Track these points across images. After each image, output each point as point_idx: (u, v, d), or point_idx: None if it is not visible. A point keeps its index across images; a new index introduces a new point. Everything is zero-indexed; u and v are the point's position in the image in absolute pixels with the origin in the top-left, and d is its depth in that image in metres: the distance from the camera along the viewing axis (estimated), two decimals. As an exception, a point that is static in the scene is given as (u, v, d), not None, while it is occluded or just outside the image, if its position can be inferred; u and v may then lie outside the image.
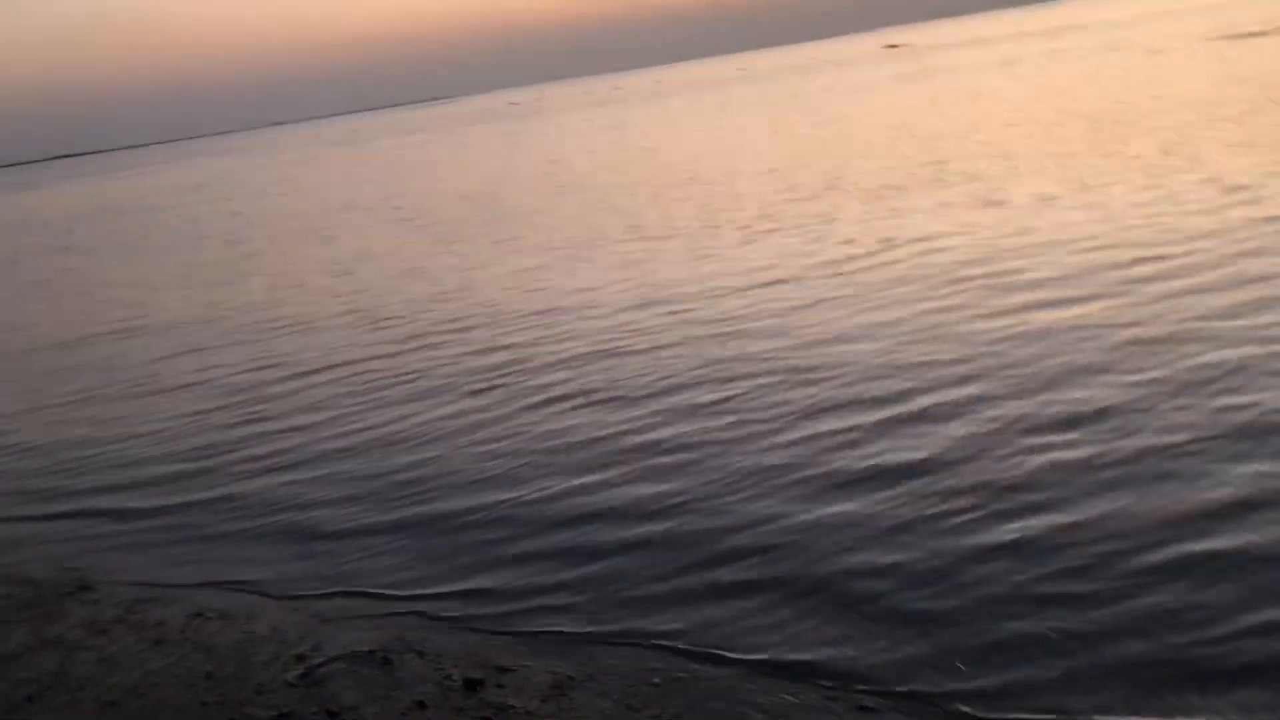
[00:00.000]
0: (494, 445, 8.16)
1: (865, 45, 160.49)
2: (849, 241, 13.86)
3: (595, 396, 8.94)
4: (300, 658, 5.44)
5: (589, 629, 5.33)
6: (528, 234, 19.33)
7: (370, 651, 5.40)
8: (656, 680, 4.80)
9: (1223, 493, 5.62)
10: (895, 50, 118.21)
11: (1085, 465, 6.21)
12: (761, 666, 4.79)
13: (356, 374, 11.09)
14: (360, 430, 9.11)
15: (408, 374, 10.73)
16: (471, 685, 4.94)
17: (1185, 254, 10.52)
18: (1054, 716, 4.17)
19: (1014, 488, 6.07)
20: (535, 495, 7.06)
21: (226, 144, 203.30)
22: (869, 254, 12.87)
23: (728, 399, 8.31)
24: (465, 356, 11.06)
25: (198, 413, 10.55)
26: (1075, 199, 14.30)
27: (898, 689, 4.47)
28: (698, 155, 30.27)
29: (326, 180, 44.83)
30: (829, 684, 4.58)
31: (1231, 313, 8.50)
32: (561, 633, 5.35)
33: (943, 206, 15.38)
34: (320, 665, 5.33)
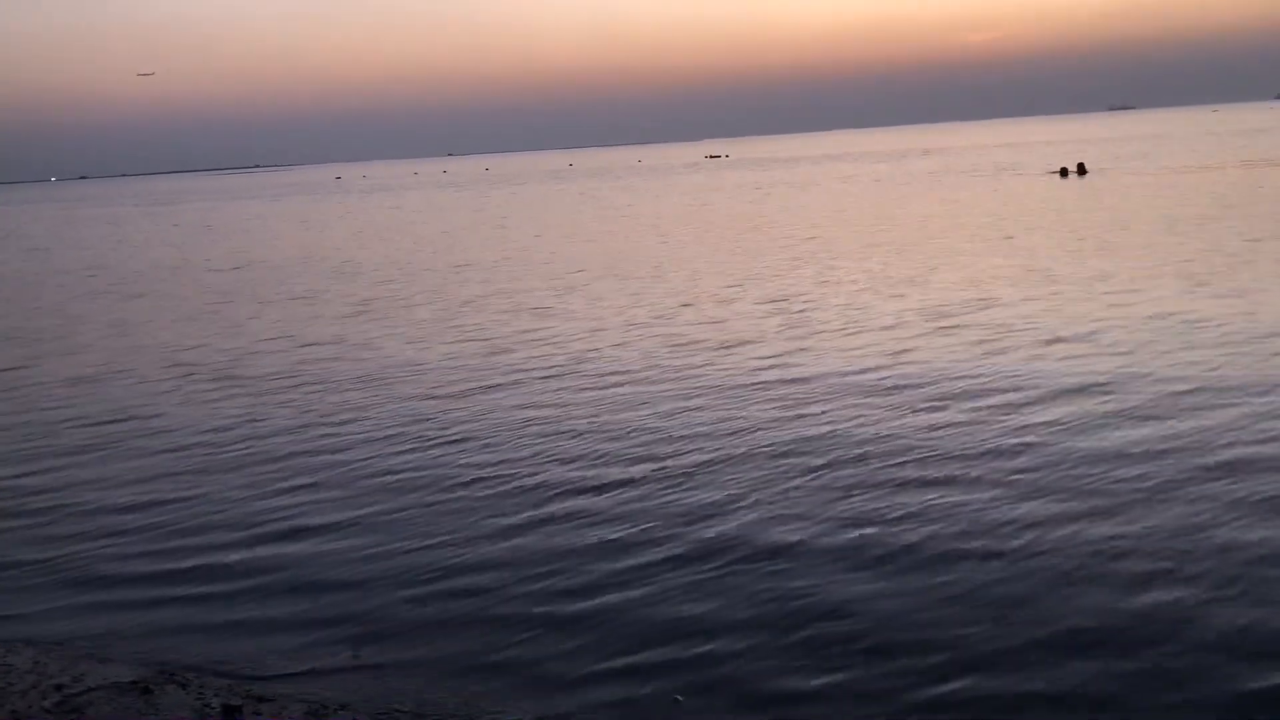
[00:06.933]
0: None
1: (689, 153, 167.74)
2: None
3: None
4: (59, 687, 5.60)
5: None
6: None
7: (132, 682, 5.61)
8: (404, 707, 5.27)
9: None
10: (716, 160, 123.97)
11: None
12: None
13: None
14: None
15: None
16: (230, 711, 5.24)
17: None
18: None
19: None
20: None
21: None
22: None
23: None
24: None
25: None
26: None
27: None
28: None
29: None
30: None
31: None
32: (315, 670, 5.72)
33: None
34: (79, 694, 5.51)
